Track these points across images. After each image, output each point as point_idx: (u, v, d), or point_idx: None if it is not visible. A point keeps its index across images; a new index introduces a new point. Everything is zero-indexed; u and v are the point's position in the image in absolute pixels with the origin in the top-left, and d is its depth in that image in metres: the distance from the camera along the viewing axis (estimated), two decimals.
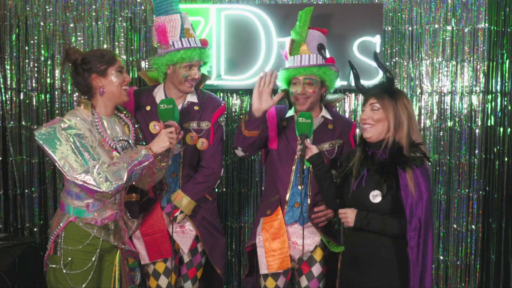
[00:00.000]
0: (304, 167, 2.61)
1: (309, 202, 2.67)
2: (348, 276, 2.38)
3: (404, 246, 2.17)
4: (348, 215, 2.29)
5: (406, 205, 2.15)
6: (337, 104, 3.46)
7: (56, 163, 2.12)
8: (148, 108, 2.73)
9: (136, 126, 2.51)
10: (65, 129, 2.15)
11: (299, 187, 2.65)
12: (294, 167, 2.67)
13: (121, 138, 2.35)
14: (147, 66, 3.40)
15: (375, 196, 2.23)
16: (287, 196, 2.68)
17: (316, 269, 2.69)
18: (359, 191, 2.30)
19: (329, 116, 2.74)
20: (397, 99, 2.24)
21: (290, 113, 2.75)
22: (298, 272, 2.75)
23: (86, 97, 2.34)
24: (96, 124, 2.27)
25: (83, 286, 2.22)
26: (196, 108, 2.74)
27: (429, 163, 2.26)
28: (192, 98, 2.75)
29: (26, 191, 3.49)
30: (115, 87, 2.31)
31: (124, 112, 2.50)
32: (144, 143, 2.48)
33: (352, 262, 2.36)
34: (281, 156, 2.71)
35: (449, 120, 3.51)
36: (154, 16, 2.98)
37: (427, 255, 2.15)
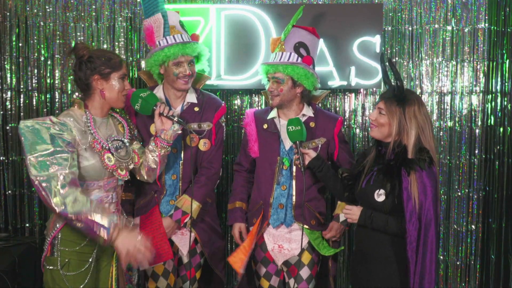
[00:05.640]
0: (285, 167, 2.63)
1: (293, 203, 2.67)
2: (355, 270, 2.43)
3: (405, 245, 2.19)
4: (354, 212, 2.33)
5: (407, 208, 2.18)
6: (337, 104, 3.47)
7: (26, 158, 2.08)
8: None
9: (131, 125, 2.50)
10: (50, 129, 2.13)
11: (282, 188, 2.66)
12: (276, 169, 2.67)
13: (115, 138, 2.34)
14: None
15: (380, 195, 2.26)
16: (271, 198, 2.68)
17: (304, 272, 2.68)
18: (367, 188, 2.33)
19: (310, 114, 2.72)
20: (405, 107, 2.23)
21: (272, 114, 2.75)
22: (287, 275, 2.76)
23: (80, 97, 2.34)
24: (89, 125, 2.26)
25: (81, 287, 2.21)
26: (196, 109, 2.73)
27: (436, 168, 2.25)
28: (192, 98, 2.74)
29: (26, 191, 3.50)
30: (115, 92, 2.31)
31: (119, 111, 2.49)
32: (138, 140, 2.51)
33: (358, 257, 2.41)
34: (263, 160, 2.72)
35: (449, 120, 3.51)
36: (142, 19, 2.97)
37: (427, 256, 2.17)
